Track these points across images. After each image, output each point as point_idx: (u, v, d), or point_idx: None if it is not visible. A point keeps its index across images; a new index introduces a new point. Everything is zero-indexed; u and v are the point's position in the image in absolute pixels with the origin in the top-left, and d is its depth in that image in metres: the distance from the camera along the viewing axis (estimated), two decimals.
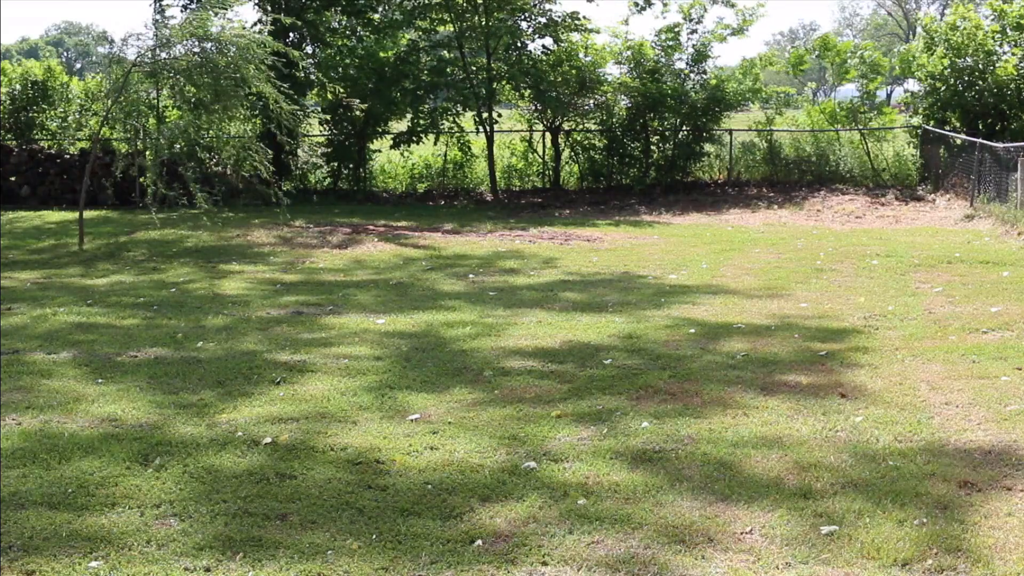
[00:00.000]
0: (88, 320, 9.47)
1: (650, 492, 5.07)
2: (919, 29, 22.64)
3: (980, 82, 19.69)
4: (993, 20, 20.27)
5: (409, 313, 9.54)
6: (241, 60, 13.91)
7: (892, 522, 4.68)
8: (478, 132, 22.51)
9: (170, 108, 20.03)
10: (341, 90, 21.79)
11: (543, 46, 22.19)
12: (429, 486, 5.17)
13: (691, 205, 19.96)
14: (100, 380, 7.26)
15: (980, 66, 19.62)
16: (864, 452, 5.59)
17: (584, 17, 21.74)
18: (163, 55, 14.35)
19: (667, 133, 22.34)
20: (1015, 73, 19.35)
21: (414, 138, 21.89)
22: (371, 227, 16.69)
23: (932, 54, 20.57)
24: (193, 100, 14.95)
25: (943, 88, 20.26)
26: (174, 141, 14.90)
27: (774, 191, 21.51)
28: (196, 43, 14.07)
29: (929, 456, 5.52)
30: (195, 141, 15.16)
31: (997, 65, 19.47)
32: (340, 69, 21.80)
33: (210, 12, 14.24)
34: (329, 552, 4.47)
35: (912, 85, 21.47)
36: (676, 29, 22.13)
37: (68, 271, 12.65)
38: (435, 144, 22.53)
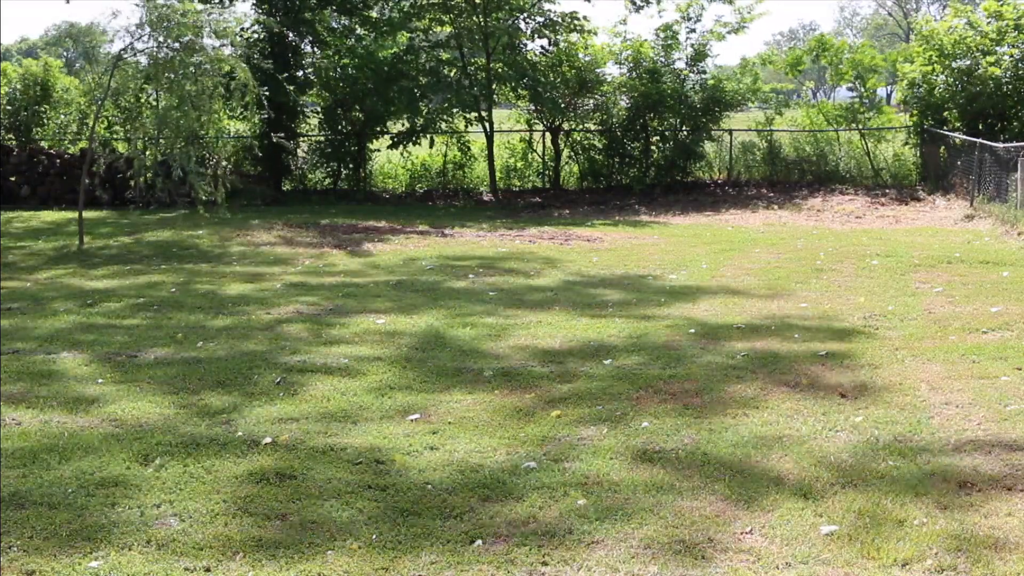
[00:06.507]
0: (88, 320, 9.47)
1: (650, 492, 5.07)
2: (912, 35, 22.73)
3: (977, 84, 19.68)
4: (991, 21, 20.27)
5: (409, 313, 9.53)
6: (220, 39, 14.00)
7: (892, 522, 4.68)
8: (470, 129, 22.48)
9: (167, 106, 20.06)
10: (341, 89, 21.82)
11: (542, 47, 22.21)
12: (429, 486, 5.17)
13: (691, 205, 19.96)
14: (100, 380, 7.26)
15: (976, 67, 19.62)
16: (864, 452, 5.59)
17: (583, 17, 21.77)
18: (143, 46, 14.37)
19: (667, 133, 22.35)
20: (1012, 72, 19.34)
21: (413, 138, 21.91)
22: (371, 227, 16.69)
23: (913, 63, 20.64)
24: (179, 91, 14.90)
25: (937, 90, 20.27)
26: (164, 131, 14.84)
27: (774, 191, 21.51)
28: (175, 31, 14.05)
29: (929, 456, 5.52)
30: (189, 132, 15.10)
31: (988, 68, 19.48)
32: (339, 69, 21.82)
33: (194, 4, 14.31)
34: (329, 552, 4.47)
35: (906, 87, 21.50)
36: (674, 28, 22.15)
37: (68, 271, 12.65)
38: (431, 147, 22.55)
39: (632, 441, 5.81)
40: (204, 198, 14.48)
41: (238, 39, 14.73)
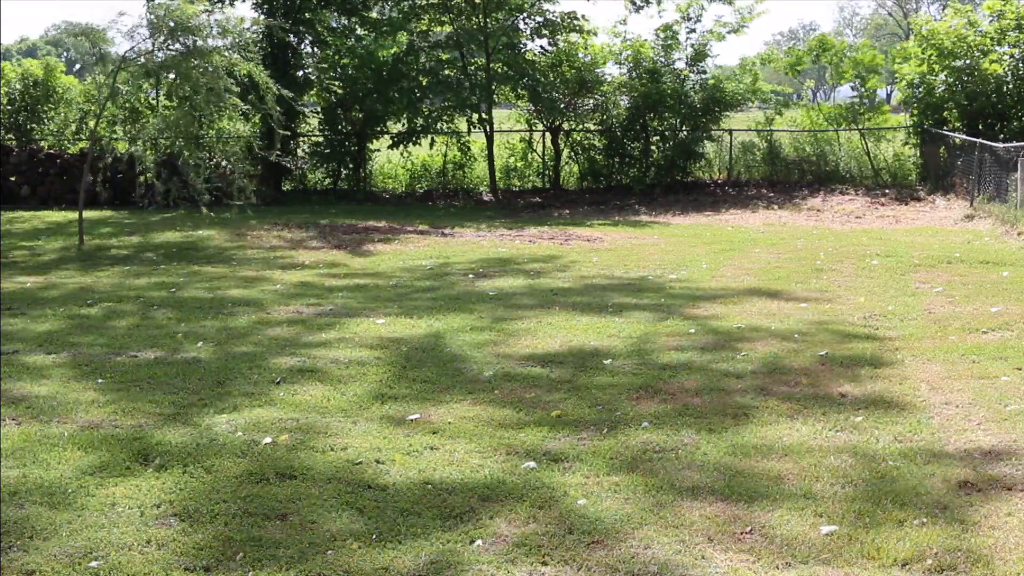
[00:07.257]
0: (88, 320, 9.47)
1: (650, 492, 5.07)
2: (911, 35, 22.78)
3: (977, 84, 19.69)
4: (993, 20, 20.28)
5: (409, 314, 9.53)
6: (225, 42, 14.03)
7: (892, 522, 4.68)
8: (471, 131, 22.51)
9: (169, 107, 20.08)
10: (339, 89, 21.82)
11: (541, 47, 22.22)
12: (429, 486, 5.17)
13: (691, 205, 19.97)
14: (100, 380, 7.26)
15: (976, 66, 19.63)
16: (864, 452, 5.59)
17: (583, 17, 21.80)
18: (149, 47, 14.36)
19: (667, 133, 22.36)
20: (1013, 72, 19.36)
21: (413, 139, 21.92)
22: (371, 227, 16.69)
23: (909, 62, 20.68)
24: (183, 94, 14.91)
25: (936, 90, 20.28)
26: (166, 133, 14.86)
27: (774, 191, 21.51)
28: (179, 34, 14.06)
29: (929, 456, 5.52)
30: (191, 135, 15.12)
31: (990, 66, 19.49)
32: (339, 69, 21.82)
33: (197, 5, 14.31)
34: (329, 552, 4.47)
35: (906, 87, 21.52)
36: (674, 28, 22.17)
37: (68, 271, 12.65)
38: (431, 148, 22.56)
39: (632, 441, 5.81)
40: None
41: (242, 41, 14.73)
